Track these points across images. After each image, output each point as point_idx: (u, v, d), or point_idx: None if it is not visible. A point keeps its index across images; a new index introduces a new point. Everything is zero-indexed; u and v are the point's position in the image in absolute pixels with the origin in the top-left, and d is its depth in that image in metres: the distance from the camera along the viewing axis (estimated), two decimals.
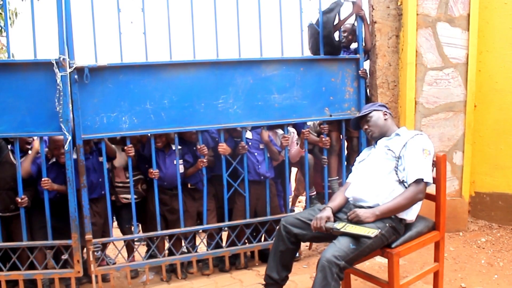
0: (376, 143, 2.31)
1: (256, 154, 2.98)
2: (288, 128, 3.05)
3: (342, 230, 1.92)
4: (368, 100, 3.28)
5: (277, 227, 2.23)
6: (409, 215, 2.09)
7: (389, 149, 2.17)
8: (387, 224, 1.99)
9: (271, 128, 3.09)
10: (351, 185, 2.25)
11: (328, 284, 1.78)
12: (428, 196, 2.22)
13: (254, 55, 2.83)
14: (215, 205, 3.02)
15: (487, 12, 3.24)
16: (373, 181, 2.14)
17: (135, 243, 3.14)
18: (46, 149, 2.74)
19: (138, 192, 2.93)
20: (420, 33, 3.15)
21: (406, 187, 2.07)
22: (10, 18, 4.39)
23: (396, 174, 2.10)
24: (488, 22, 3.26)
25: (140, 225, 3.16)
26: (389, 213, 2.01)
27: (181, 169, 2.90)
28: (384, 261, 2.60)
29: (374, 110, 2.31)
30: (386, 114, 2.30)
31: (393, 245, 2.03)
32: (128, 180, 2.86)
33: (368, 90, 3.38)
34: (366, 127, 2.31)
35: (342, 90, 3.02)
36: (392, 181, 2.10)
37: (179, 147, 2.86)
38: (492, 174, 3.41)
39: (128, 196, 2.88)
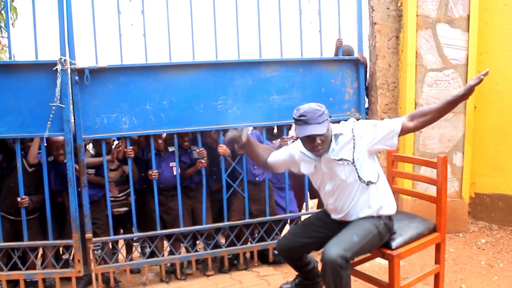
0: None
1: None
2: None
3: None
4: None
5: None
6: (391, 209, 2.04)
7: (342, 159, 1.98)
8: (382, 222, 1.99)
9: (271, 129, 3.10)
10: (326, 206, 2.15)
11: (340, 277, 1.79)
12: (429, 198, 2.22)
13: (253, 57, 2.83)
14: (210, 203, 3.03)
15: (487, 13, 3.24)
16: (348, 200, 2.02)
17: (134, 243, 3.15)
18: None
19: (128, 204, 2.96)
20: (420, 34, 3.15)
21: (377, 188, 2.00)
22: (11, 18, 4.39)
23: (360, 179, 1.98)
24: (488, 23, 3.26)
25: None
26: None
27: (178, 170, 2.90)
28: (385, 262, 2.60)
29: (326, 120, 1.93)
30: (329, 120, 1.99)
31: (393, 246, 2.03)
32: (120, 194, 3.00)
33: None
34: (319, 142, 1.92)
35: (342, 91, 3.02)
36: (362, 189, 2.00)
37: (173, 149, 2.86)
38: (492, 175, 3.40)
39: (122, 209, 3.01)
